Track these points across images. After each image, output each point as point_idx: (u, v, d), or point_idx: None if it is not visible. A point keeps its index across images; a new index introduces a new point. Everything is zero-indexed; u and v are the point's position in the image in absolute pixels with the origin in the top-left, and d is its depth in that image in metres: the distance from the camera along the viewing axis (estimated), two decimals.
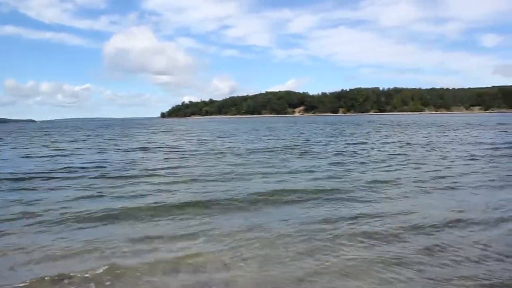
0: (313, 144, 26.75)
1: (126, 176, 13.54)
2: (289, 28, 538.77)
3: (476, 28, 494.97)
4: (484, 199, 9.65)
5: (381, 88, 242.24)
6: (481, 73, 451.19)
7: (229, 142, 30.03)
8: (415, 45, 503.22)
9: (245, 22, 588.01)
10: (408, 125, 59.73)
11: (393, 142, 27.63)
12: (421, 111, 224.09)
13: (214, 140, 33.68)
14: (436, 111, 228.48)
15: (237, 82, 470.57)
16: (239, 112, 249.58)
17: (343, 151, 21.45)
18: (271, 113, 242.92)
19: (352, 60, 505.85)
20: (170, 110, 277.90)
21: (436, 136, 33.60)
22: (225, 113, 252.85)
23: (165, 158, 19.42)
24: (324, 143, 27.80)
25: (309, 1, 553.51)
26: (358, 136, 35.68)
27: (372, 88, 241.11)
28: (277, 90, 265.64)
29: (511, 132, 36.69)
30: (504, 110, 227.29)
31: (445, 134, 35.43)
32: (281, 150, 22.77)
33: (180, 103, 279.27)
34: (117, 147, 27.04)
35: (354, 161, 17.07)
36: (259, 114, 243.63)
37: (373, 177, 12.66)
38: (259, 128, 61.47)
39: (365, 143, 27.18)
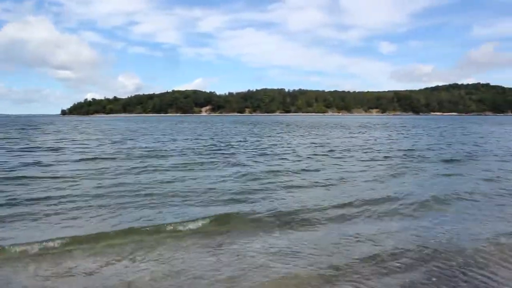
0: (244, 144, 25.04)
1: None
2: (199, 27, 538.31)
3: (375, 36, 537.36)
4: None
5: (286, 90, 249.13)
6: (379, 78, 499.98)
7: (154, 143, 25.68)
8: (320, 49, 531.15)
9: (154, 19, 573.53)
10: (331, 126, 61.70)
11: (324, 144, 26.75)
12: (325, 112, 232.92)
13: (128, 140, 28.88)
14: (338, 112, 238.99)
15: (144, 80, 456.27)
16: (144, 111, 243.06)
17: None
18: (177, 112, 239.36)
19: (260, 62, 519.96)
20: (71, 107, 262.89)
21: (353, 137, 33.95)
22: (130, 112, 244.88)
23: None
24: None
25: (219, 1, 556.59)
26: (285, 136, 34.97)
27: (278, 89, 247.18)
28: (184, 89, 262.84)
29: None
30: (399, 113, 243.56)
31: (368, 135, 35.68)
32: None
33: (82, 100, 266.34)
34: None
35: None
36: (166, 113, 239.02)
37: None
38: (172, 127, 57.59)
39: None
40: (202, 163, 14.91)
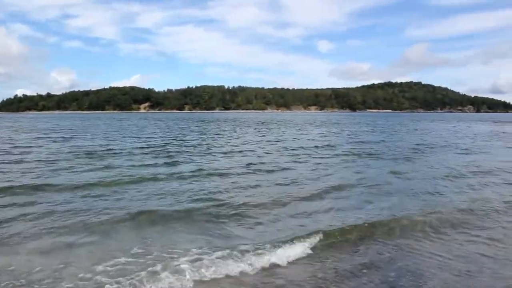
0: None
1: None
2: (138, 22, 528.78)
3: (314, 35, 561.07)
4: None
5: (226, 87, 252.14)
6: (318, 76, 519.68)
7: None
8: (259, 46, 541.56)
9: (91, 13, 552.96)
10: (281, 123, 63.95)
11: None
12: (264, 109, 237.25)
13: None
14: (278, 109, 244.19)
15: (80, 76, 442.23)
16: (80, 108, 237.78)
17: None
18: (115, 109, 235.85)
19: (200, 58, 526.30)
20: (0, 103, 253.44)
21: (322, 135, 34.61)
22: (65, 109, 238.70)
23: None
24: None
25: None
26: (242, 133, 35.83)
27: (218, 86, 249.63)
28: (122, 86, 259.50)
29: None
30: (337, 110, 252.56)
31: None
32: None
33: (12, 96, 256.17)
34: None
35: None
36: (103, 110, 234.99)
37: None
38: (112, 124, 56.37)
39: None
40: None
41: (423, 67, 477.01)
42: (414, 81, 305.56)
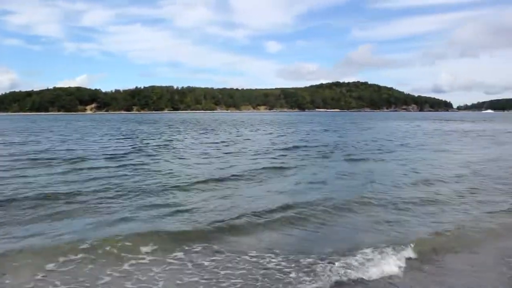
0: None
1: None
2: (82, 20, 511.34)
3: (263, 35, 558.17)
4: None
5: (175, 87, 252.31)
6: (266, 76, 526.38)
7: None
8: (209, 46, 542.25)
9: (32, 10, 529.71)
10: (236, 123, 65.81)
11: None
12: (213, 110, 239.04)
13: None
14: (227, 109, 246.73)
15: (21, 76, 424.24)
16: (22, 109, 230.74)
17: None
18: (59, 111, 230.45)
19: (148, 58, 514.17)
20: None
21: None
22: (5, 110, 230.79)
23: None
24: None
25: None
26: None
27: (167, 86, 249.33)
28: (67, 86, 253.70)
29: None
30: (286, 109, 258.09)
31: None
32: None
33: None
34: None
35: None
36: (46, 111, 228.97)
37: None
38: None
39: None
40: None
41: (368, 68, 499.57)
42: (360, 81, 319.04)
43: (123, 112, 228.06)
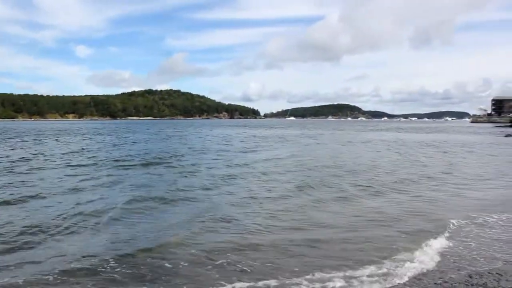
0: None
1: None
2: None
3: (71, 39, 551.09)
4: None
5: None
6: (76, 82, 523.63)
7: None
8: (8, 48, 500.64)
9: None
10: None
11: None
12: (14, 118, 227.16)
13: None
14: (30, 118, 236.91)
15: None
16: None
17: None
18: None
19: None
20: None
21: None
22: None
23: None
24: None
25: None
26: None
27: None
28: None
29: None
30: (97, 117, 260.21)
31: None
32: None
33: None
34: None
35: None
36: None
37: None
38: None
39: None
40: None
41: (182, 76, 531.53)
42: (173, 89, 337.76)
43: None
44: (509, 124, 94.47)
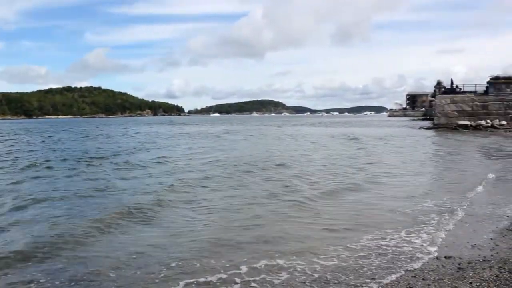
0: None
1: None
2: None
3: None
4: None
5: None
6: None
7: None
8: None
9: None
10: None
11: None
12: None
13: None
14: None
15: None
16: None
17: None
18: None
19: None
20: None
21: None
22: None
23: None
24: None
25: None
26: None
27: None
28: None
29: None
30: (10, 117, 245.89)
31: None
32: None
33: None
34: None
35: None
36: None
37: None
38: None
39: None
40: None
41: (103, 72, 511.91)
42: (94, 86, 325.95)
43: None
44: (422, 117, 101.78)
